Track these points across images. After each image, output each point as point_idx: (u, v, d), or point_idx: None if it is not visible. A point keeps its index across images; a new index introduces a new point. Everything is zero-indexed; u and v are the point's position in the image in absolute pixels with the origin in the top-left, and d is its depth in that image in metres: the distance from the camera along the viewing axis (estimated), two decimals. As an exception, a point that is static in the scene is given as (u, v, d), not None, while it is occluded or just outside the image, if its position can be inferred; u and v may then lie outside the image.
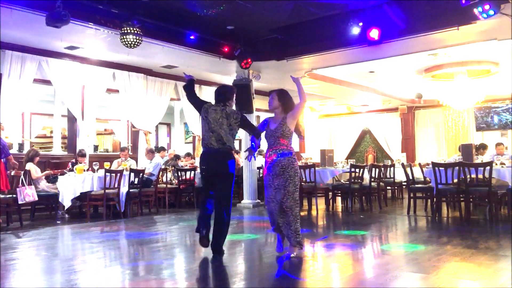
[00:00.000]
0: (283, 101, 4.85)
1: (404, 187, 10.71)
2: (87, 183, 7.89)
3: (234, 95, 5.06)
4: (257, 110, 13.19)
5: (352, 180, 8.68)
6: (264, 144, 4.96)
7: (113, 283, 3.87)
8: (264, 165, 4.82)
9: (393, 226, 7.21)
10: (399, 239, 6.18)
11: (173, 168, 10.09)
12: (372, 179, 9.03)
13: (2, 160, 6.98)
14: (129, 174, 8.28)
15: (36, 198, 7.36)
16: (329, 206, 9.21)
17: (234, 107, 5.10)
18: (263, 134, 4.91)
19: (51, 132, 11.76)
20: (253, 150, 4.97)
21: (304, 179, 8.89)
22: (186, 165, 10.56)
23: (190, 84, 5.08)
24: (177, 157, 10.80)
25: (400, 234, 6.57)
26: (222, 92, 5.00)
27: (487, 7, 6.19)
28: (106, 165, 8.40)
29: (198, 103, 5.00)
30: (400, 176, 10.25)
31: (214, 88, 12.17)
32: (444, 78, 10.88)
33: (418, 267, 4.25)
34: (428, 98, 13.51)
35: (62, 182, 7.87)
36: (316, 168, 8.89)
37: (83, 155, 8.90)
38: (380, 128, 16.02)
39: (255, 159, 5.74)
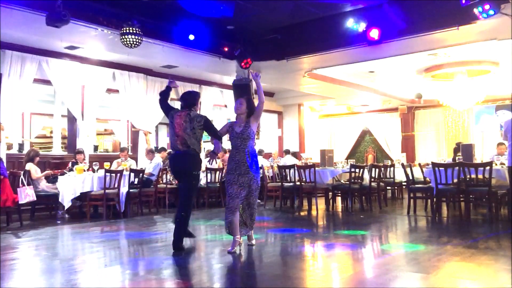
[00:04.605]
0: (249, 108, 5.15)
1: (404, 187, 10.70)
2: (87, 183, 7.88)
3: (199, 100, 5.49)
4: (257, 110, 13.21)
5: (352, 180, 8.68)
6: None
7: (113, 283, 3.87)
8: (228, 164, 5.20)
9: (393, 226, 7.21)
10: (399, 239, 6.18)
11: (170, 168, 10.07)
12: (372, 179, 9.02)
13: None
14: (129, 174, 8.28)
15: (35, 198, 7.36)
16: (329, 206, 9.21)
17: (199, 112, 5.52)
18: (226, 137, 5.28)
19: (51, 132, 11.76)
20: (216, 151, 5.41)
21: (304, 179, 8.91)
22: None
23: (166, 92, 5.55)
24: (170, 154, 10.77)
25: (400, 234, 6.57)
26: (186, 98, 5.38)
27: (487, 7, 6.19)
28: (106, 165, 8.40)
29: (166, 109, 5.46)
30: (400, 176, 10.25)
31: (214, 88, 12.33)
32: (444, 78, 10.87)
33: (418, 267, 4.25)
34: (428, 98, 13.50)
35: (62, 182, 7.87)
36: (316, 168, 8.89)
37: (81, 152, 8.90)
38: (380, 128, 16.02)
39: (216, 162, 6.04)
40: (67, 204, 7.76)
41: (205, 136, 5.45)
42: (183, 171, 5.21)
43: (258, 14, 7.78)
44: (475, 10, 6.30)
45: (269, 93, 14.51)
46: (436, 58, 9.50)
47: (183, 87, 11.79)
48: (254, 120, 5.06)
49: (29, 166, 7.82)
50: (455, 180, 7.40)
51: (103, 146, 14.84)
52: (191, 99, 5.35)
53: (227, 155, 9.49)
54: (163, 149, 11.06)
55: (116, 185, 7.90)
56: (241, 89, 9.20)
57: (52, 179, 8.35)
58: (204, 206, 9.80)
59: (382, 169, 9.85)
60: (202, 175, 10.07)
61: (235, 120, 5.22)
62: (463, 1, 6.32)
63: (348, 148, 16.51)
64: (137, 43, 7.27)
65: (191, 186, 5.23)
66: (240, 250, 4.86)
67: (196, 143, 5.14)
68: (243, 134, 5.01)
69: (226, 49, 8.88)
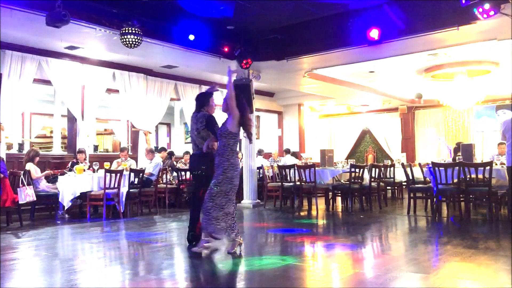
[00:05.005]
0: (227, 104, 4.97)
1: (404, 187, 10.71)
2: (87, 183, 7.89)
3: (210, 99, 5.43)
4: (257, 110, 13.23)
5: (352, 180, 8.68)
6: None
7: (113, 283, 3.87)
8: None
9: (393, 226, 7.21)
10: (399, 239, 6.18)
11: (170, 168, 10.09)
12: (372, 179, 9.03)
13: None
14: (129, 174, 8.28)
15: (35, 198, 7.36)
16: (329, 206, 9.21)
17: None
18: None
19: (51, 132, 11.77)
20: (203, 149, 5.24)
21: (304, 179, 8.91)
22: (186, 164, 10.56)
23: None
24: (171, 154, 10.79)
25: (400, 234, 6.57)
26: (197, 99, 5.49)
27: (487, 7, 6.19)
28: (106, 165, 8.40)
29: None
30: (400, 176, 10.25)
31: (214, 88, 12.30)
32: (444, 78, 10.87)
33: (418, 267, 4.25)
34: (428, 98, 13.51)
35: (62, 182, 7.86)
36: (316, 168, 8.89)
37: (82, 152, 8.94)
38: (380, 128, 16.01)
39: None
40: (67, 204, 7.76)
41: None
42: (194, 171, 5.37)
43: (258, 14, 7.78)
44: (475, 10, 6.29)
45: (269, 93, 14.52)
46: (436, 58, 9.49)
47: (183, 87, 11.82)
48: (231, 118, 4.83)
49: (29, 166, 7.82)
50: (455, 180, 7.40)
51: (103, 146, 14.84)
52: (200, 100, 5.39)
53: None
54: (163, 149, 11.07)
55: (116, 185, 7.90)
56: (241, 89, 9.19)
57: (52, 179, 8.35)
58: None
59: (382, 169, 9.86)
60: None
61: None
62: (463, 1, 6.31)
63: (348, 148, 16.51)
64: (137, 43, 7.27)
65: (193, 185, 5.41)
66: (240, 250, 4.86)
67: (203, 143, 5.17)
68: (218, 131, 4.90)
69: (226, 49, 8.88)
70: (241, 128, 4.91)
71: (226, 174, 4.74)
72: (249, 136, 5.05)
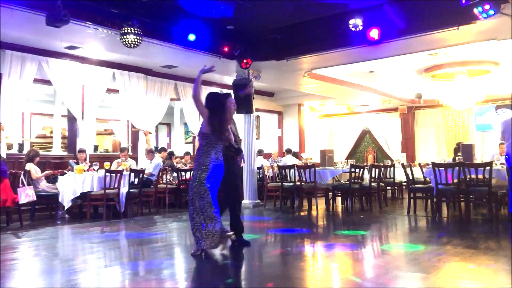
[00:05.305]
0: (208, 105, 4.87)
1: (404, 187, 10.71)
2: (87, 183, 7.89)
3: (226, 100, 5.11)
4: (257, 110, 13.22)
5: (352, 180, 8.68)
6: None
7: (113, 283, 3.87)
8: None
9: (393, 226, 7.21)
10: (399, 239, 6.18)
11: (170, 168, 10.09)
12: (372, 179, 9.03)
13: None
14: (129, 174, 8.28)
15: (36, 198, 7.36)
16: (329, 206, 9.21)
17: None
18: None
19: (51, 132, 11.76)
20: None
21: (304, 179, 8.91)
22: (186, 165, 10.56)
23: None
24: (171, 154, 10.79)
25: (400, 234, 6.57)
26: None
27: (487, 7, 6.19)
28: (106, 165, 8.40)
29: None
30: (400, 176, 10.25)
31: (213, 88, 12.32)
32: (444, 78, 10.87)
33: (418, 267, 4.25)
34: (428, 98, 13.51)
35: (62, 182, 7.86)
36: (316, 168, 8.89)
37: (83, 151, 8.94)
38: (380, 128, 16.02)
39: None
40: (67, 204, 7.76)
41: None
42: None
43: (258, 14, 7.78)
44: (475, 10, 6.29)
45: (269, 93, 14.52)
46: (436, 58, 9.49)
47: (183, 87, 11.82)
48: (203, 118, 4.79)
49: (29, 166, 7.82)
50: (455, 180, 7.39)
51: (103, 146, 14.85)
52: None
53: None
54: (163, 149, 11.06)
55: (116, 185, 7.90)
56: (241, 89, 9.19)
57: (52, 179, 8.35)
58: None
59: (382, 169, 9.85)
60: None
61: None
62: (463, 1, 6.31)
63: (348, 148, 16.51)
64: (137, 43, 7.27)
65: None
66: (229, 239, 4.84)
67: None
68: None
69: (226, 49, 8.88)
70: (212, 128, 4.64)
71: (196, 175, 4.66)
72: (218, 137, 4.70)
